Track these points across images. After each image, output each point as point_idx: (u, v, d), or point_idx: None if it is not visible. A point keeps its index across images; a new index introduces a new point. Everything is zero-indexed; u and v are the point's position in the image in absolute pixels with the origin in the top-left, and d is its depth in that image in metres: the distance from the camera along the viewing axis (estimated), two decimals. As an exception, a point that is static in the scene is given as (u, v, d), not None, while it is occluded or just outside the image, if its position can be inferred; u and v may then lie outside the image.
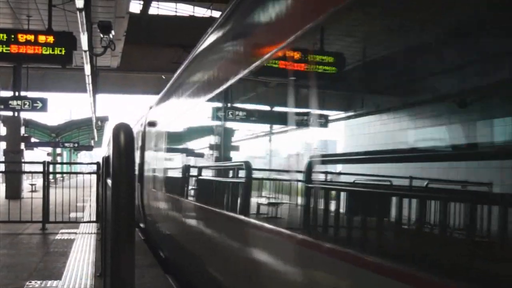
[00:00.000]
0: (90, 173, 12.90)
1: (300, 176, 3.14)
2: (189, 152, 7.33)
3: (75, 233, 10.36)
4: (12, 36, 11.03)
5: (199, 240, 5.66)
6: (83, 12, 10.93)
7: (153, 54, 26.40)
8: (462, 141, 1.96)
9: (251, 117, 4.57)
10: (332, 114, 2.86)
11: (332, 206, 2.80)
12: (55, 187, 14.03)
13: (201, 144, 6.60)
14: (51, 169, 12.38)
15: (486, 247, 1.80)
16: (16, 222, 10.74)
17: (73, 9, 11.19)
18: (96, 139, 45.60)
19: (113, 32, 13.59)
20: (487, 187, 1.79)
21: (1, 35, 11.07)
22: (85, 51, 13.70)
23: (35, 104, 16.76)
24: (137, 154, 12.36)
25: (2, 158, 21.23)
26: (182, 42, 22.22)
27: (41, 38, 11.06)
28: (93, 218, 11.44)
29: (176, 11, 31.14)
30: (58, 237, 9.84)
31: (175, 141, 8.24)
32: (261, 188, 4.08)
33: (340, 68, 2.80)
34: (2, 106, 17.21)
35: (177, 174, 7.56)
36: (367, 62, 2.62)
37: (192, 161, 7.00)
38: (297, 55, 3.14)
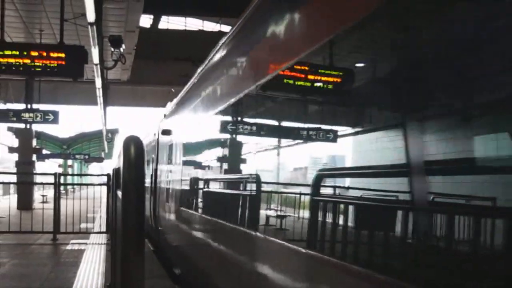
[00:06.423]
0: (100, 184, 13.01)
1: None
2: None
3: (86, 243, 10.46)
4: (25, 50, 11.22)
5: None
6: (94, 26, 11.11)
7: (163, 68, 26.62)
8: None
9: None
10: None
11: None
12: (66, 198, 14.18)
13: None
14: (62, 181, 12.49)
15: None
16: (28, 233, 10.85)
17: (85, 23, 11.36)
18: (106, 151, 45.71)
19: (123, 46, 13.76)
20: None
21: (14, 49, 11.26)
22: (96, 65, 13.87)
23: (46, 117, 16.92)
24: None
25: (14, 170, 21.43)
26: (191, 56, 22.41)
27: (53, 52, 11.21)
28: (103, 229, 11.52)
29: (185, 25, 31.42)
30: (68, 247, 9.94)
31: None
32: None
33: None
34: (14, 119, 17.40)
35: None
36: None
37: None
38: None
